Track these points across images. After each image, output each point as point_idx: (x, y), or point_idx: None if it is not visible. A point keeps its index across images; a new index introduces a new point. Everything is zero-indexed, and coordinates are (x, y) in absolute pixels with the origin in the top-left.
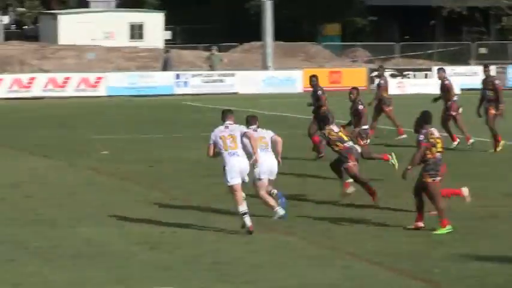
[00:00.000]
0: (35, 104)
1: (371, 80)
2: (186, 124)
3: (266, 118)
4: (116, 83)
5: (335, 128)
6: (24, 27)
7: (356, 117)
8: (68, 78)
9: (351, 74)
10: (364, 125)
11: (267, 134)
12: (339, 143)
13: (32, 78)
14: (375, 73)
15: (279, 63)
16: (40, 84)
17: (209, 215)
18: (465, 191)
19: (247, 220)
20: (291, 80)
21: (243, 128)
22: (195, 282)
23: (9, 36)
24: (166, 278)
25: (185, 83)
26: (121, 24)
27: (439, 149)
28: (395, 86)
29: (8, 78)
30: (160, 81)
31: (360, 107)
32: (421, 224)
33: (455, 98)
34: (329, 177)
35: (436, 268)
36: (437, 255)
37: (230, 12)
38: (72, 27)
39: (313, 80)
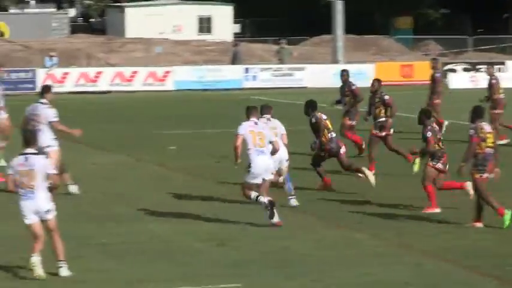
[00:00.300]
0: (102, 98)
1: (443, 73)
2: None
3: (336, 113)
4: (183, 77)
5: (324, 116)
6: (91, 20)
7: (386, 108)
8: (135, 72)
9: (423, 68)
10: (394, 114)
11: (279, 128)
12: (326, 131)
13: (99, 72)
14: (447, 67)
15: (350, 57)
16: (107, 78)
17: (278, 210)
18: (468, 185)
19: (264, 199)
20: (362, 74)
21: (272, 136)
22: (262, 280)
23: (75, 30)
24: (234, 275)
25: (254, 76)
26: (189, 17)
27: (489, 144)
28: (468, 80)
29: (74, 72)
30: (228, 75)
31: (387, 97)
32: (479, 225)
33: (501, 96)
34: (397, 173)
35: (508, 266)
36: (508, 252)
37: (300, 4)
38: (139, 20)
39: (343, 74)
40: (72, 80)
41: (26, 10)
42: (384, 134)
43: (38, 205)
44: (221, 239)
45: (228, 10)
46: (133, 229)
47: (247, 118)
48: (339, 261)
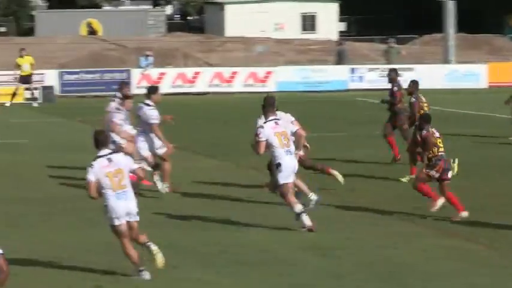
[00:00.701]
0: (200, 100)
1: None
2: (359, 121)
3: (445, 115)
4: (286, 77)
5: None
6: (188, 17)
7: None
8: (235, 72)
9: None
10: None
11: (287, 118)
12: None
13: (197, 73)
14: None
15: (461, 57)
16: (205, 79)
17: (384, 218)
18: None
19: (307, 219)
20: (475, 75)
21: (292, 126)
22: None
23: (172, 28)
24: (339, 286)
25: (360, 77)
26: (292, 14)
27: None
28: None
29: (171, 72)
30: (333, 76)
31: (413, 99)
32: None
33: None
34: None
35: None
36: None
37: (408, 1)
38: (239, 18)
39: (390, 74)
40: (168, 80)
41: (120, 7)
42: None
43: (130, 206)
44: (326, 248)
45: (333, 7)
46: (234, 237)
47: (265, 117)
48: (448, 272)
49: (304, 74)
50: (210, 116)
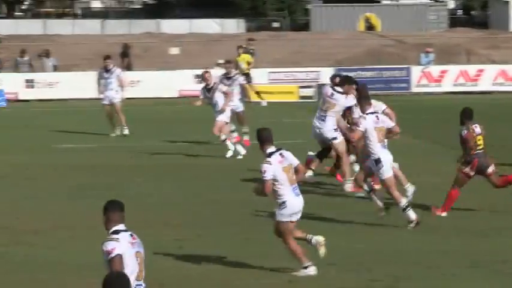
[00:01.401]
0: (482, 99)
1: None
2: None
3: None
4: None
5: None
6: (472, 12)
7: None
8: None
9: None
10: None
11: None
12: None
13: (480, 70)
14: None
15: None
16: (489, 77)
17: None
18: None
19: (412, 213)
20: None
21: (389, 122)
22: None
23: (455, 23)
24: None
25: None
26: None
27: None
28: None
29: (453, 69)
30: None
31: None
32: None
33: None
34: None
35: None
36: None
37: None
38: None
39: None
40: (450, 78)
41: (400, 1)
42: None
43: (302, 201)
44: None
45: None
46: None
47: (363, 109)
48: None
49: None
50: (491, 118)
